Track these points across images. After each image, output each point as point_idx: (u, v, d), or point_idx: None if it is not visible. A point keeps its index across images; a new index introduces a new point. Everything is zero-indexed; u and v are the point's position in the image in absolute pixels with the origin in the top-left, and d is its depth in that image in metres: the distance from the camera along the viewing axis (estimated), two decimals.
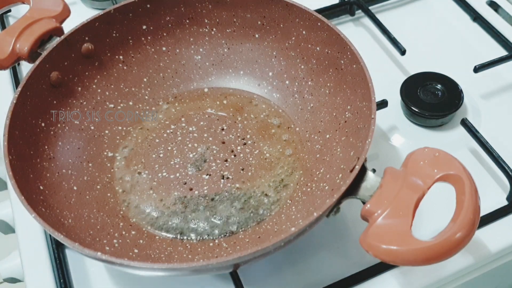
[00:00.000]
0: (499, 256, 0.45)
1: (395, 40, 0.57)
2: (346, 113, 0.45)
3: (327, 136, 0.47)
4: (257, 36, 0.52)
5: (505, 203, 0.47)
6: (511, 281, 0.53)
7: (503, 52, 0.59)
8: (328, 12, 0.61)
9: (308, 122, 0.49)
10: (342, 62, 0.46)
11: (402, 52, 0.56)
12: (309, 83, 0.50)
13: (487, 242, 0.44)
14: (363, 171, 0.37)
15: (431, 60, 0.59)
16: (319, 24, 0.47)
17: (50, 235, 0.45)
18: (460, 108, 0.52)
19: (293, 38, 0.50)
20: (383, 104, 0.52)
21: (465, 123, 0.51)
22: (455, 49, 0.61)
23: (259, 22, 0.51)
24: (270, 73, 0.52)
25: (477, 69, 0.54)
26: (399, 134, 0.52)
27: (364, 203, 0.36)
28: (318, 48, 0.48)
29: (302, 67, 0.50)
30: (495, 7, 0.65)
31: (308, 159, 0.47)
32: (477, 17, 0.63)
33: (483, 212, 0.45)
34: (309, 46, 0.49)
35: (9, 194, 0.50)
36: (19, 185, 0.38)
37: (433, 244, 0.32)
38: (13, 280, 0.48)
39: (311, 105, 0.49)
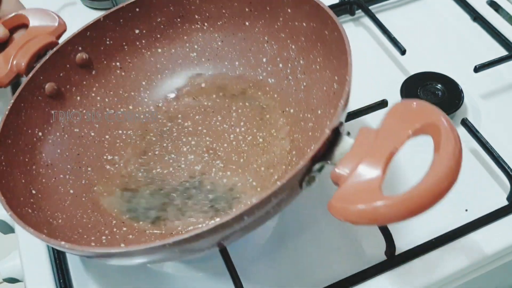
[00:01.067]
0: (499, 256, 0.44)
1: (395, 40, 0.56)
2: (334, 84, 0.43)
3: (319, 112, 0.44)
4: (247, 23, 0.51)
5: (505, 203, 0.46)
6: (511, 281, 0.52)
7: (503, 52, 0.58)
8: None
9: (301, 101, 0.46)
10: (326, 32, 0.43)
11: (402, 52, 0.55)
12: (301, 62, 0.48)
13: (487, 242, 0.44)
14: (337, 135, 0.34)
15: (431, 60, 0.58)
16: None
17: None
18: (460, 108, 0.51)
19: (281, 19, 0.48)
20: (383, 104, 0.50)
21: (465, 123, 0.50)
22: (455, 49, 0.60)
23: (246, 9, 0.50)
24: (264, 59, 0.50)
25: (477, 69, 0.54)
26: None
27: None
28: (304, 24, 0.46)
29: (293, 47, 0.48)
30: (495, 7, 0.63)
31: (301, 138, 0.44)
32: (477, 17, 0.62)
33: (483, 212, 0.44)
34: (296, 24, 0.47)
35: None
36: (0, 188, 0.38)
37: (405, 198, 0.29)
38: (13, 280, 0.49)
39: (304, 84, 0.47)
